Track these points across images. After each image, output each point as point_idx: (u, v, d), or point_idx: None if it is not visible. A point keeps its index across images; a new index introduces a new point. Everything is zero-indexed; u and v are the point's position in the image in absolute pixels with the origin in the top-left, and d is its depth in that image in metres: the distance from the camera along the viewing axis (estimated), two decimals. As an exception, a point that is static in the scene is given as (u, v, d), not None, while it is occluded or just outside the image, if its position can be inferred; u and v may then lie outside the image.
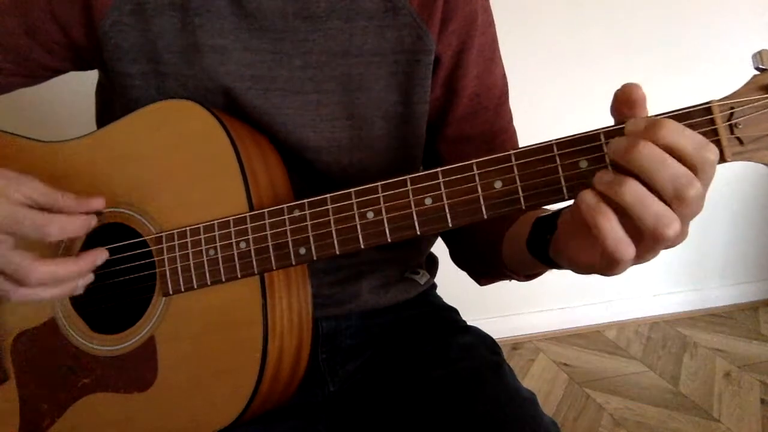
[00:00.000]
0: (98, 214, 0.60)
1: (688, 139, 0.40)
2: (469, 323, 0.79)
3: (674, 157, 0.40)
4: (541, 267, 0.59)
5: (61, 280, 0.55)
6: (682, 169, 0.40)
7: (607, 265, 0.44)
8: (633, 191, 0.40)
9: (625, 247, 0.42)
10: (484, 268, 0.75)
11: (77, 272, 0.56)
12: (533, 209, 0.48)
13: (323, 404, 0.72)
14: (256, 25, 0.65)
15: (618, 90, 0.44)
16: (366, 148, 0.69)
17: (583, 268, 0.48)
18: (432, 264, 0.87)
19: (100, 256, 0.58)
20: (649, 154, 0.40)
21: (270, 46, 0.65)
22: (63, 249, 0.63)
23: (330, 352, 0.74)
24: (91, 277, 0.59)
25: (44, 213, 0.54)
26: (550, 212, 0.55)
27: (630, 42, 1.85)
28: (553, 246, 0.52)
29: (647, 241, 0.42)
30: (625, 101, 0.43)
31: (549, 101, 1.78)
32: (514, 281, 0.70)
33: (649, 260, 0.44)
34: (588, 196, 0.42)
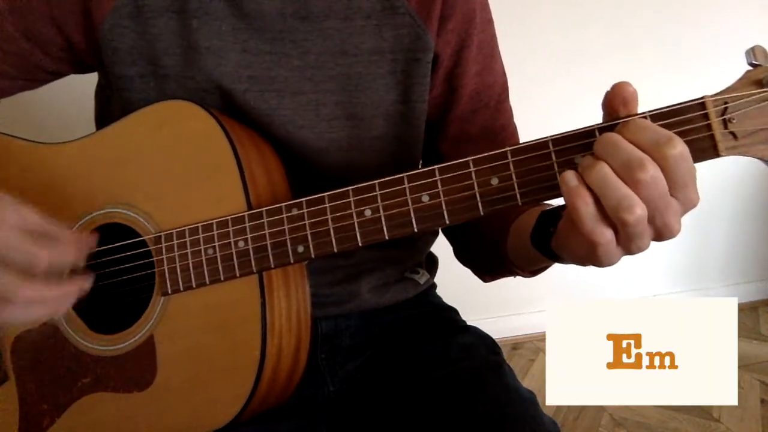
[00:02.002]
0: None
1: (646, 134, 0.42)
2: (469, 323, 0.79)
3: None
4: (545, 261, 0.59)
5: (48, 302, 0.54)
6: (636, 153, 0.42)
7: (590, 251, 0.45)
8: (599, 173, 0.42)
9: (601, 230, 0.43)
10: (489, 264, 0.75)
11: (64, 295, 0.54)
12: (529, 205, 0.48)
13: (323, 404, 0.72)
14: (254, 25, 0.65)
15: (609, 90, 0.45)
16: (365, 147, 0.69)
17: (581, 259, 0.49)
18: (432, 264, 0.87)
19: (87, 281, 0.55)
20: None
21: (268, 46, 0.65)
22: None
23: (330, 352, 0.74)
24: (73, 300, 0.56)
25: (36, 241, 0.52)
26: (555, 206, 0.55)
27: (629, 40, 1.85)
28: (556, 238, 0.52)
29: (620, 227, 0.43)
30: (621, 99, 0.44)
31: (548, 100, 1.78)
32: (518, 278, 0.70)
33: (635, 250, 0.44)
34: (569, 176, 0.44)
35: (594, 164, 0.43)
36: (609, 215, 0.43)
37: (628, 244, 0.44)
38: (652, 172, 0.41)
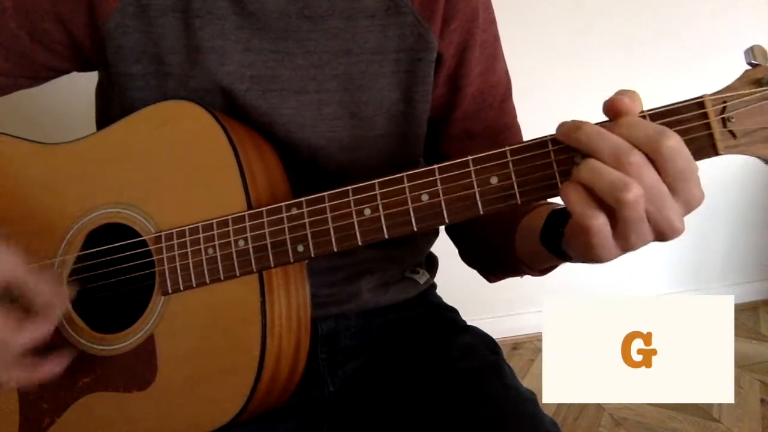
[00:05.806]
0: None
1: (638, 130, 0.42)
2: (469, 323, 0.79)
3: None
4: (555, 260, 0.59)
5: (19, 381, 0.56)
6: (622, 142, 0.42)
7: (585, 242, 0.44)
8: (587, 165, 0.43)
9: (591, 212, 0.43)
10: (497, 264, 0.74)
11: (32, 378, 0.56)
12: (529, 204, 0.48)
13: (323, 404, 0.72)
14: (257, 25, 0.65)
15: (608, 101, 0.44)
16: (367, 146, 0.69)
17: (581, 255, 0.48)
18: (432, 264, 0.87)
19: (60, 364, 0.57)
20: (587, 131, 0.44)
21: (272, 45, 0.65)
22: (58, 263, 0.64)
23: (330, 352, 0.74)
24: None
25: (12, 322, 0.53)
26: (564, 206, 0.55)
27: (630, 40, 1.85)
28: (566, 238, 0.52)
29: (618, 209, 0.42)
30: (614, 113, 0.44)
31: (549, 99, 1.78)
32: (518, 278, 0.70)
33: (634, 239, 0.44)
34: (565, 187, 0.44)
35: (583, 162, 0.43)
36: (605, 199, 0.42)
37: (626, 233, 0.43)
38: (639, 158, 0.41)
